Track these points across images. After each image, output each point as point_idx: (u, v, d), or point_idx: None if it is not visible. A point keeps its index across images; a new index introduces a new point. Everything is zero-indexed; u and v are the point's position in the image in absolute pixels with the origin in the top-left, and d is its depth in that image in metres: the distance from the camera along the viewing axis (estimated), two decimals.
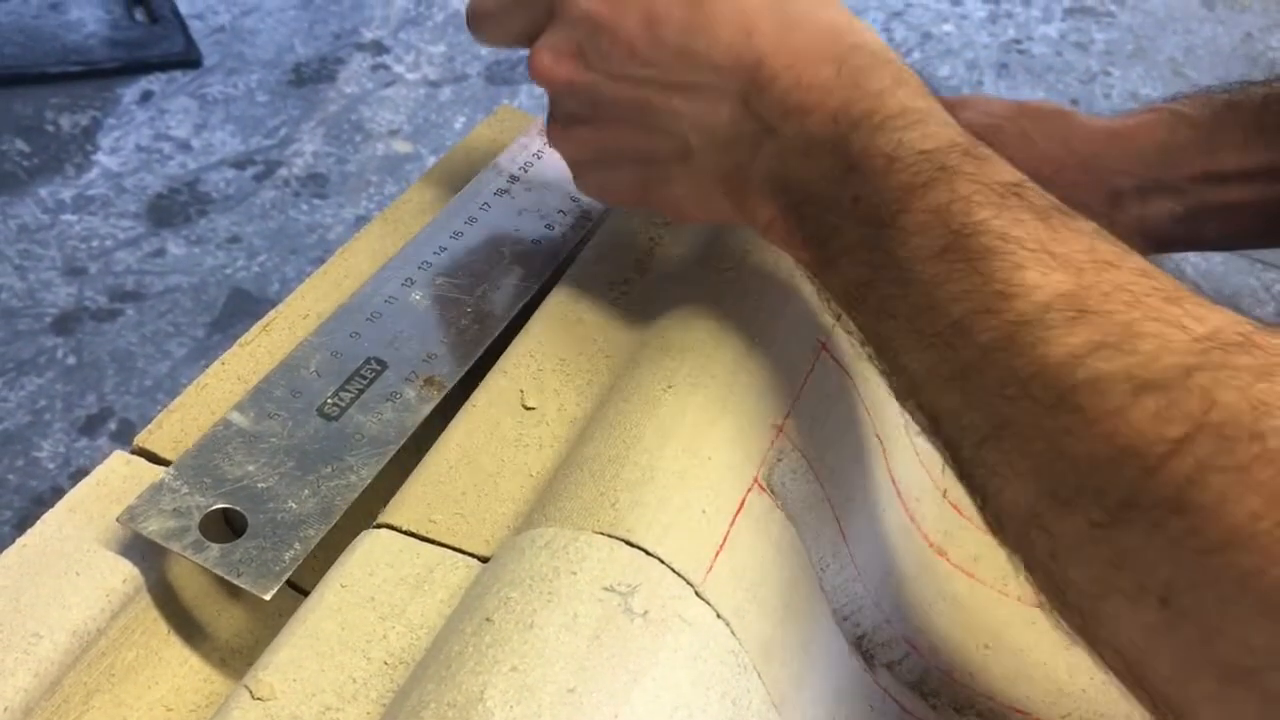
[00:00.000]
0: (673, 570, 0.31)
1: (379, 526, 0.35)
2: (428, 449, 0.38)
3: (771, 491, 0.34)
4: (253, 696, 0.30)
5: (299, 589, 0.37)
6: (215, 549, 0.33)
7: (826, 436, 0.37)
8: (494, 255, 0.45)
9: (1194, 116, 0.46)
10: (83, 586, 0.33)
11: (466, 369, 0.41)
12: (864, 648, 0.37)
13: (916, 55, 2.06)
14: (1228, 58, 2.15)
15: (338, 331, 0.41)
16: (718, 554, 0.32)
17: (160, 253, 1.46)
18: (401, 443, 0.38)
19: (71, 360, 1.33)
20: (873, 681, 0.36)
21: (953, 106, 0.49)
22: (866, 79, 0.32)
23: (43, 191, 1.51)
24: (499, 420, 0.39)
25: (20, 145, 1.56)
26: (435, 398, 0.39)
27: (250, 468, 0.36)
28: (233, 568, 0.33)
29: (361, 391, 0.39)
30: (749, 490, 0.33)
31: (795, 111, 0.32)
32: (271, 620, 0.36)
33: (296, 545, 0.34)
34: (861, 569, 0.38)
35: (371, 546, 0.34)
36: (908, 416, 0.40)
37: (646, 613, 0.29)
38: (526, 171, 0.49)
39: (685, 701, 0.29)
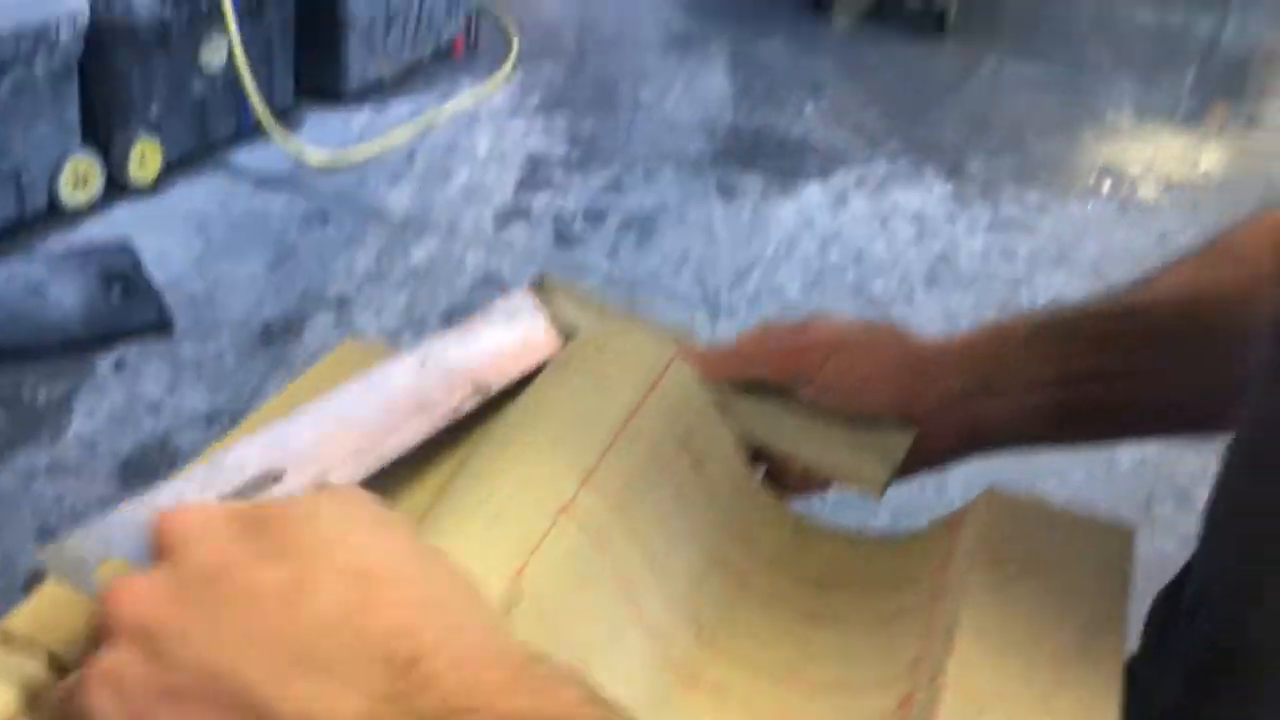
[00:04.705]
0: None
1: None
2: None
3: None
4: None
5: None
6: None
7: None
8: None
9: (1014, 330, 0.53)
10: None
11: None
12: None
13: (851, 274, 2.19)
14: (1142, 257, 2.28)
15: None
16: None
17: None
18: None
19: None
20: None
21: (798, 329, 0.55)
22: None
23: (19, 461, 1.58)
24: None
25: None
26: None
27: None
28: None
29: None
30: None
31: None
32: None
33: None
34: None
35: None
36: None
37: None
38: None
39: None
